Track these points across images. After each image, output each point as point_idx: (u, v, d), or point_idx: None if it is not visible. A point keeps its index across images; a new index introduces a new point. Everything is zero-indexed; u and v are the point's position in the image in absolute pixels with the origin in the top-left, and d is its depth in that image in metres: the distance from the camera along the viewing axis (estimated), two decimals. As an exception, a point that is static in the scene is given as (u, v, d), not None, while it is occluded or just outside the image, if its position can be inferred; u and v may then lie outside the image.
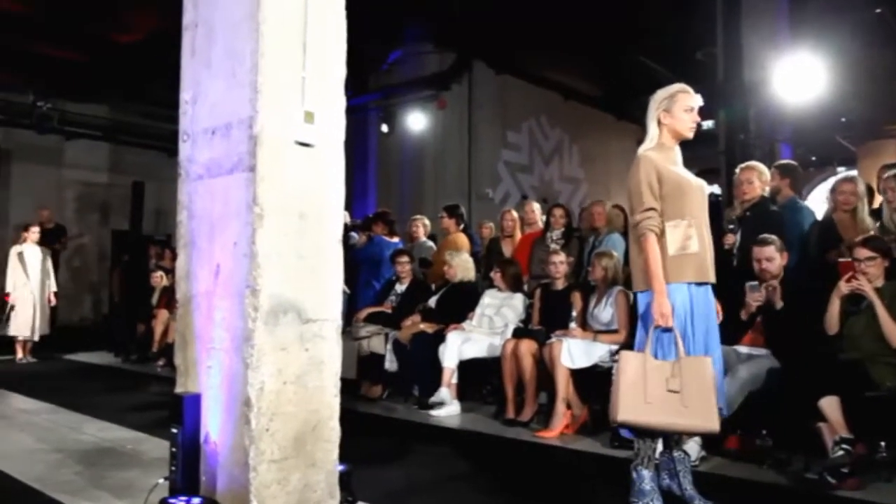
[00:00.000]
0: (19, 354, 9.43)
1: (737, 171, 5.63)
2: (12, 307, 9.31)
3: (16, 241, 9.96)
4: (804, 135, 13.11)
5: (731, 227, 5.39)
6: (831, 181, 6.28)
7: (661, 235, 3.37)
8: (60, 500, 3.62)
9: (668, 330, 3.28)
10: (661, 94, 3.54)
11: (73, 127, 13.70)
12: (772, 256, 4.58)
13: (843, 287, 4.25)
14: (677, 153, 3.59)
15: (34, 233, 9.76)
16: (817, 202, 12.15)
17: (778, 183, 5.66)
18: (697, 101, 3.54)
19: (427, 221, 8.45)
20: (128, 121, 14.47)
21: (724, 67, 10.51)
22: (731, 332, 4.46)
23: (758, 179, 5.36)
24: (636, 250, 3.47)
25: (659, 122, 3.53)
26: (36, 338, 9.59)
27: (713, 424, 3.23)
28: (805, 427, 4.08)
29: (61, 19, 11.30)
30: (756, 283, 4.61)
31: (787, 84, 9.99)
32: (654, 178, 3.41)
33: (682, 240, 3.37)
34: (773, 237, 4.65)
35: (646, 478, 3.36)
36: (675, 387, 3.18)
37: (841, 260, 4.66)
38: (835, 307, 4.33)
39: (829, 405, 3.92)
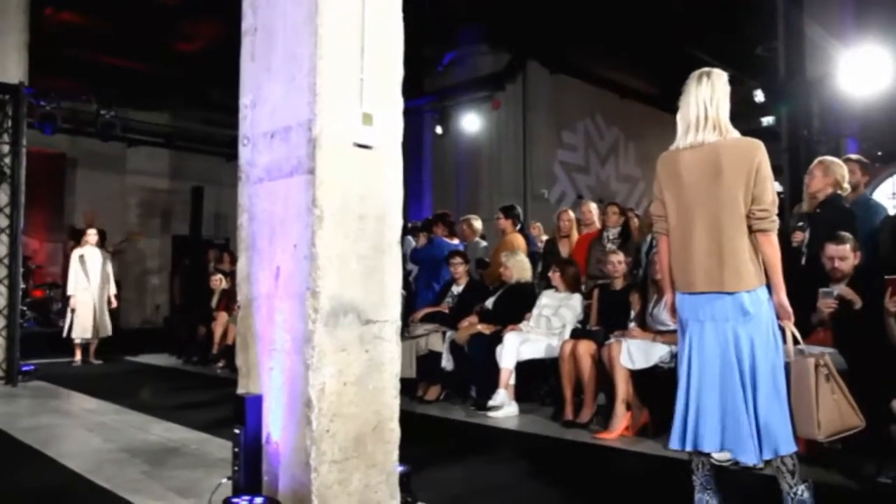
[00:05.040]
0: (77, 357, 9.53)
1: None
2: (73, 310, 9.47)
3: (76, 245, 10.13)
4: (871, 129, 12.70)
5: (801, 224, 5.19)
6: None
7: None
8: (128, 499, 3.69)
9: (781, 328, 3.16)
10: (725, 80, 3.35)
11: (135, 134, 14.11)
12: (846, 255, 4.38)
13: None
14: None
15: (92, 235, 9.91)
16: (883, 198, 11.77)
17: (859, 178, 5.40)
18: None
19: (476, 222, 8.38)
20: (187, 127, 14.84)
21: (786, 62, 10.28)
22: (799, 331, 4.32)
23: (821, 173, 5.02)
24: (752, 245, 3.06)
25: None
26: (96, 340, 9.73)
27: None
28: (876, 429, 3.90)
29: (124, 31, 11.62)
30: (829, 289, 4.36)
31: (852, 77, 9.68)
32: None
33: None
34: (849, 235, 4.43)
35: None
36: None
37: None
38: None
39: None
